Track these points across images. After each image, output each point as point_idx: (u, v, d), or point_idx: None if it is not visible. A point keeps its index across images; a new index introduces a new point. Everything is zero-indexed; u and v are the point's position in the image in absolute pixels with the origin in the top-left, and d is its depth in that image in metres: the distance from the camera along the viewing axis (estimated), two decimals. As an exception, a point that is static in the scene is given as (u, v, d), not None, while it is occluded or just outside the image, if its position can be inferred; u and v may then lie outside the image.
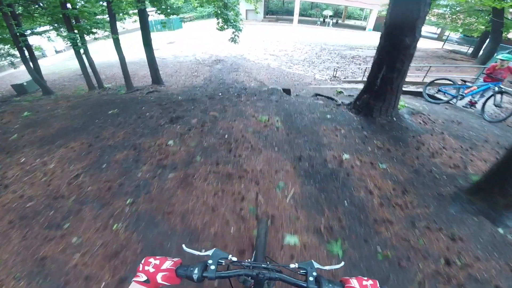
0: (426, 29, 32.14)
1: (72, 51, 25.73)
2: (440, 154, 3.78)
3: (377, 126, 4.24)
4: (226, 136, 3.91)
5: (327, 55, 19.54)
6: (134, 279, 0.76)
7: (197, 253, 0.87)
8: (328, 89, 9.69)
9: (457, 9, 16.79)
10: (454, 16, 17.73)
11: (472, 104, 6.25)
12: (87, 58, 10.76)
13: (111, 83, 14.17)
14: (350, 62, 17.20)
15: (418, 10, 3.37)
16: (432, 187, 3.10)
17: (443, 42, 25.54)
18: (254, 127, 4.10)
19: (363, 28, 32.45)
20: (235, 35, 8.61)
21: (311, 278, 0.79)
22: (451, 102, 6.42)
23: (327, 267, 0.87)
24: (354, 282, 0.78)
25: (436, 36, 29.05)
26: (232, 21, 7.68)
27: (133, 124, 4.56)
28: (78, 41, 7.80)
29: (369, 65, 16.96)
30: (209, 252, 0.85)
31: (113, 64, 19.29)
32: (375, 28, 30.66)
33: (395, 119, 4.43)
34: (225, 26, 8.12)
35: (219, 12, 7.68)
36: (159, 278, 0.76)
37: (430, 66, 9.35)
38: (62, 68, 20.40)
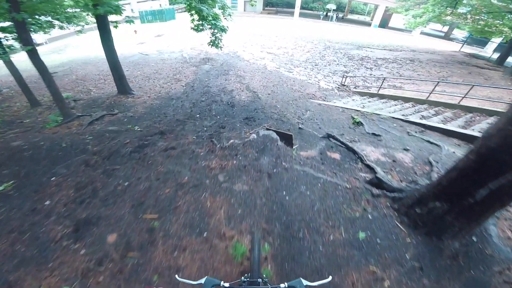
0: (431, 27, 29.86)
1: (54, 44, 23.19)
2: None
3: (446, 260, 2.28)
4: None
5: (332, 55, 17.24)
6: None
7: (190, 282, 0.90)
8: (340, 111, 7.60)
9: (482, 10, 14.60)
10: (477, 17, 15.48)
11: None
12: (35, 64, 8.42)
13: (77, 87, 11.81)
14: (359, 66, 14.98)
15: None
16: None
17: (450, 41, 23.81)
18: (221, 273, 2.09)
19: (368, 24, 30.15)
20: (216, 38, 6.13)
21: None
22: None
23: (315, 283, 0.93)
24: None
25: (442, 34, 27.07)
26: (210, 18, 5.22)
27: (15, 230, 2.58)
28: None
29: (382, 71, 14.33)
30: (201, 281, 0.89)
31: (90, 60, 17.06)
32: (381, 25, 28.40)
33: (475, 240, 2.46)
34: (202, 27, 5.63)
35: (192, 5, 5.12)
36: None
37: (473, 86, 7.24)
38: (36, 64, 17.87)
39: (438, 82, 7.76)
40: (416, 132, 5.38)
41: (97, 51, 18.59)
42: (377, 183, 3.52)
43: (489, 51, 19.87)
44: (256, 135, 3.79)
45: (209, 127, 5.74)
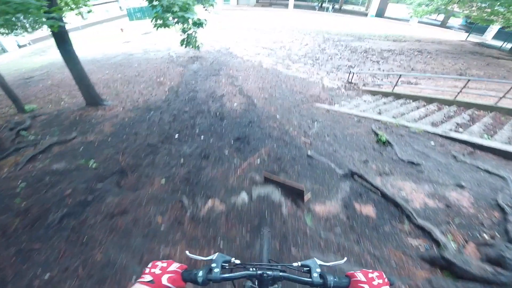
0: (427, 16, 28.32)
1: (38, 45, 21.41)
2: None
3: None
4: None
5: (333, 48, 15.74)
6: (139, 279, 0.72)
7: (200, 258, 0.85)
8: (355, 120, 6.21)
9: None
10: (484, 5, 13.97)
11: None
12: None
13: (49, 95, 10.29)
14: (364, 59, 13.51)
15: None
16: None
17: (447, 29, 22.72)
18: None
19: (364, 14, 29.04)
20: (188, 35, 4.63)
21: (315, 274, 0.79)
22: None
23: (330, 263, 0.86)
24: (359, 275, 0.76)
25: (439, 23, 25.66)
26: (176, 9, 3.72)
27: None
28: None
29: (391, 64, 12.69)
30: (212, 257, 0.84)
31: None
32: (378, 14, 27.02)
33: None
34: (168, 23, 4.13)
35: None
36: (164, 279, 0.73)
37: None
38: (15, 68, 16.05)
39: (469, 79, 6.38)
40: (464, 155, 4.03)
41: (79, 52, 17.00)
42: (444, 264, 2.23)
43: (488, 38, 18.76)
44: (248, 198, 2.43)
45: (188, 156, 4.37)
